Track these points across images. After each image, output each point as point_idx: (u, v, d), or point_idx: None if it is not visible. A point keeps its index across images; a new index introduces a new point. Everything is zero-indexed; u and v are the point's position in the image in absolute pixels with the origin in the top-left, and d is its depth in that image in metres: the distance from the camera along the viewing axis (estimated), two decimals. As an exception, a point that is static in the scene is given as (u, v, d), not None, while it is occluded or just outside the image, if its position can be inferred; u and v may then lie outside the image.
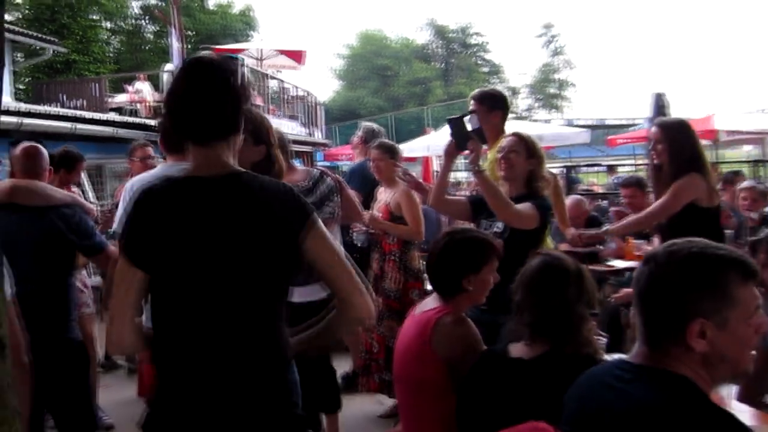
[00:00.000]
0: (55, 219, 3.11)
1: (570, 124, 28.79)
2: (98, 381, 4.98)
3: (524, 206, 3.31)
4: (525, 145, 3.40)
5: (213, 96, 1.72)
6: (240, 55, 18.35)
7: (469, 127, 3.35)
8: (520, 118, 35.77)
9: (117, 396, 4.80)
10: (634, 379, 1.52)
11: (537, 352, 2.19)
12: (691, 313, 1.46)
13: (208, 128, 1.74)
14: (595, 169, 15.15)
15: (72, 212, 3.20)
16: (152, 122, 11.75)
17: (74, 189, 5.00)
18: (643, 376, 1.52)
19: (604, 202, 10.39)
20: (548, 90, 50.93)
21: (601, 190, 12.77)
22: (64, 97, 16.79)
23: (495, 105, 3.95)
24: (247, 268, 1.67)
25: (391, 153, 4.75)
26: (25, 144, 3.35)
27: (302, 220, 1.72)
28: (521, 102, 52.11)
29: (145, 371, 3.25)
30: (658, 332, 1.54)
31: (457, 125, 3.34)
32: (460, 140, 3.34)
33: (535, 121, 34.39)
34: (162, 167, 3.20)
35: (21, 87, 24.04)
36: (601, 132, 27.51)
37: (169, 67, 15.80)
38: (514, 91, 52.24)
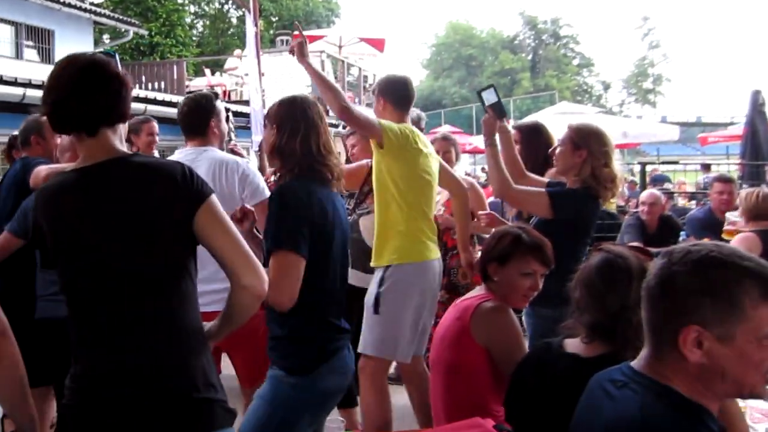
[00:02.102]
0: None
1: (664, 120, 27.73)
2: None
3: (533, 191, 3.25)
4: (570, 137, 3.19)
5: (95, 85, 1.75)
6: (320, 42, 18.15)
7: (486, 102, 3.35)
8: (610, 112, 34.62)
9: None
10: (626, 386, 1.50)
11: (594, 353, 2.08)
12: (687, 319, 1.38)
13: (93, 117, 1.76)
14: (682, 167, 14.55)
15: None
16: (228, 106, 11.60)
17: None
18: (634, 384, 1.48)
19: (692, 202, 9.90)
20: (642, 84, 49.12)
21: (691, 189, 12.16)
22: (144, 79, 16.95)
23: (380, 92, 3.60)
24: (132, 249, 1.71)
25: (456, 144, 4.64)
26: None
27: (193, 201, 1.74)
28: (613, 96, 50.57)
29: None
30: (656, 334, 1.47)
31: (481, 100, 3.38)
32: (484, 114, 3.37)
33: (626, 116, 33.18)
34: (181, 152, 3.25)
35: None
36: (697, 130, 26.87)
37: (244, 52, 15.74)
38: (606, 85, 50.78)
